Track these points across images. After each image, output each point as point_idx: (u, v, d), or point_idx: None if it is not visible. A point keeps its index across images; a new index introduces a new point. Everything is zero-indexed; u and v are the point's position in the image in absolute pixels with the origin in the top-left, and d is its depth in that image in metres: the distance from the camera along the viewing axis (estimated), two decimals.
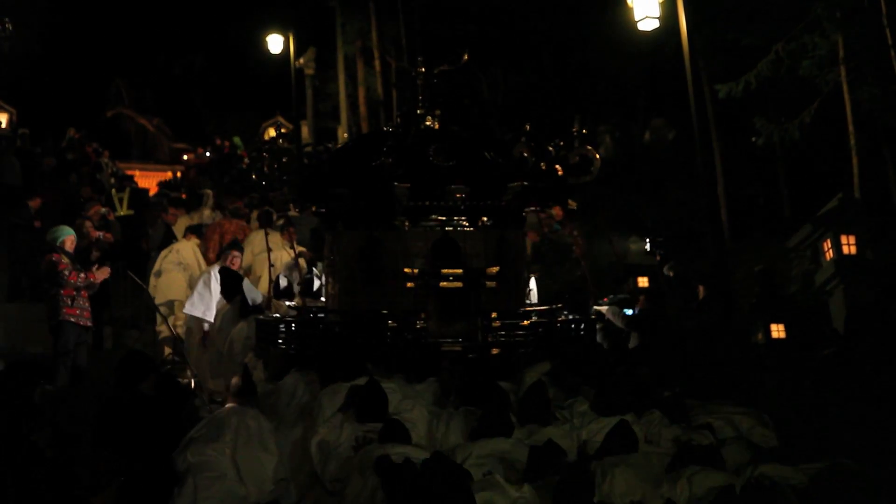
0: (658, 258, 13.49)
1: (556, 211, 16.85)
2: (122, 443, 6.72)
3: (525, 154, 9.88)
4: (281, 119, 32.20)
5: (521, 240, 10.51)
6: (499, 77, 27.16)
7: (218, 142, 29.49)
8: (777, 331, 12.03)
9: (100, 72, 35.52)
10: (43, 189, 19.63)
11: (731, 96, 15.90)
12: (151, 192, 22.01)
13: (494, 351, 9.48)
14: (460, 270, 9.61)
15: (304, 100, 32.02)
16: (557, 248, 16.13)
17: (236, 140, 29.53)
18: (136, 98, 35.52)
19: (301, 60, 30.57)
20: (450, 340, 9.46)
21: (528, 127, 10.12)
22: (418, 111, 10.53)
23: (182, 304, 13.51)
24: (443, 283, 9.59)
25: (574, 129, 10.30)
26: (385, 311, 9.52)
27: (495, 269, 9.73)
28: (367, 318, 9.56)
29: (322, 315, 9.99)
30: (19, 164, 20.80)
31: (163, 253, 14.98)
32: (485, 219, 9.97)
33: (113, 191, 20.03)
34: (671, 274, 13.21)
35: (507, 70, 26.96)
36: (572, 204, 10.79)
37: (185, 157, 28.65)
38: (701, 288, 12.35)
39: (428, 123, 10.45)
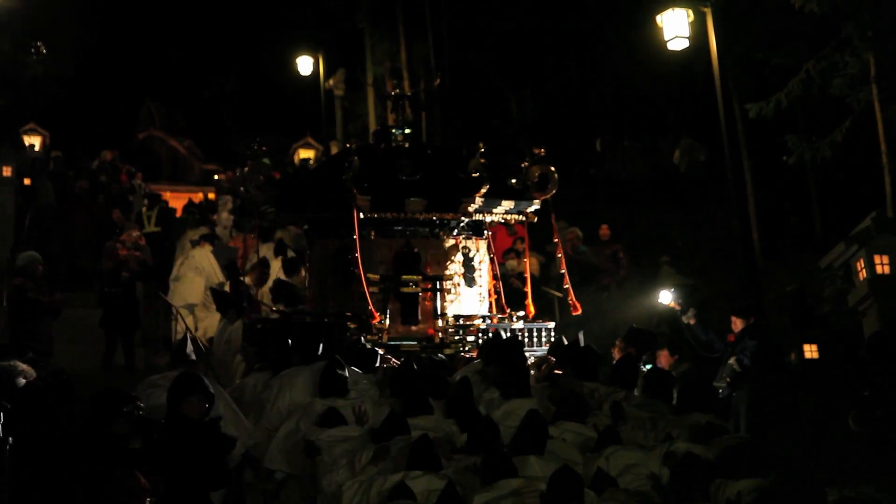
0: (677, 307, 13.15)
1: (578, 232, 16.98)
2: (164, 465, 6.70)
3: (479, 170, 10.64)
4: (311, 141, 32.28)
5: (480, 250, 11.33)
6: (527, 96, 27.19)
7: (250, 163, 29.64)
8: (810, 351, 11.92)
9: (131, 94, 35.80)
10: (76, 211, 19.87)
11: (762, 115, 15.82)
12: (179, 214, 22.24)
13: (448, 351, 10.35)
14: (419, 277, 10.59)
15: (334, 121, 32.14)
16: (583, 270, 16.14)
17: (265, 161, 29.65)
18: (167, 120, 35.73)
19: (331, 82, 30.74)
20: (408, 340, 10.41)
21: (481, 144, 10.83)
22: (393, 130, 11.41)
23: (201, 307, 14.74)
24: (403, 289, 10.57)
25: (536, 150, 11.04)
26: (349, 313, 10.42)
27: (452, 276, 10.89)
28: (331, 319, 10.52)
29: (295, 317, 10.94)
30: (52, 186, 21.04)
31: (180, 259, 16.14)
32: (443, 229, 11.02)
33: (143, 209, 20.38)
34: (692, 322, 12.91)
35: (535, 89, 26.99)
36: (532, 217, 11.47)
37: (217, 178, 28.80)
38: (735, 320, 12.19)
39: (399, 140, 11.34)
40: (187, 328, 14.50)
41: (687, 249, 19.35)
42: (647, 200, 23.26)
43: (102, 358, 14.45)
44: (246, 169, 11.71)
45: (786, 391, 10.33)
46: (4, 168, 18.70)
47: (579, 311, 11.37)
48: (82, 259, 18.70)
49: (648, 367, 11.11)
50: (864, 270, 13.47)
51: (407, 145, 11.37)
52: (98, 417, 7.04)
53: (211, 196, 26.97)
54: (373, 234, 10.77)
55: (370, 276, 10.46)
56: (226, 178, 28.23)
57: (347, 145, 11.20)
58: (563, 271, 11.64)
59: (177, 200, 25.39)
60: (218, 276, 15.45)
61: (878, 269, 13.30)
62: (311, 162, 30.32)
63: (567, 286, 11.54)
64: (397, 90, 11.92)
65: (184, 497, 6.59)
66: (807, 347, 11.92)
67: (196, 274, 15.42)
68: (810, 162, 16.28)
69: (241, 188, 12.15)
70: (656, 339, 11.75)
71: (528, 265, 12.60)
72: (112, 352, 14.59)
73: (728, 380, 11.61)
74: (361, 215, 10.43)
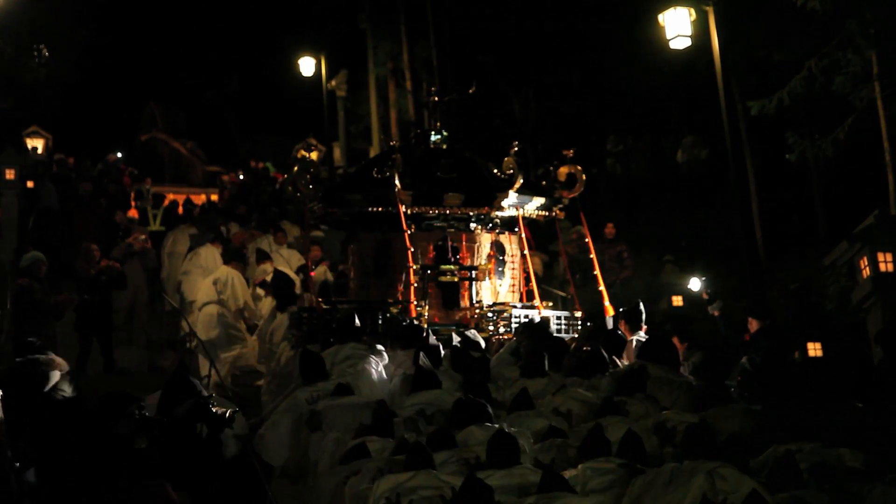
0: (705, 296, 13.35)
1: (584, 231, 17.06)
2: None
3: (512, 169, 11.53)
4: (313, 141, 32.34)
5: (512, 243, 12.19)
6: (530, 97, 27.20)
7: (253, 164, 29.72)
8: (814, 349, 11.89)
9: (134, 96, 35.87)
10: (79, 214, 19.89)
11: (764, 113, 15.81)
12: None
13: (483, 335, 10.98)
14: (456, 267, 11.40)
15: (336, 122, 32.16)
16: (587, 269, 16.17)
17: (268, 165, 29.83)
18: (169, 122, 35.79)
19: (333, 83, 30.74)
20: (446, 325, 11.19)
21: (515, 144, 11.85)
22: (432, 132, 12.34)
23: (199, 304, 14.93)
24: (441, 278, 11.40)
25: (565, 152, 12.09)
26: (391, 300, 11.25)
27: (488, 266, 11.70)
28: (374, 305, 11.22)
29: (341, 305, 11.65)
30: (55, 189, 21.05)
31: (189, 256, 16.32)
32: (479, 223, 11.85)
33: (148, 208, 20.52)
34: (716, 313, 13.01)
35: (538, 90, 26.99)
36: (561, 213, 12.53)
37: (225, 178, 28.88)
38: (752, 321, 12.21)
39: (437, 142, 12.26)
40: (189, 326, 14.56)
41: (690, 248, 19.34)
42: (649, 199, 23.26)
43: (77, 361, 14.18)
44: (295, 169, 12.28)
45: (792, 389, 10.33)
46: (7, 171, 18.65)
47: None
48: None
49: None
50: (867, 268, 13.43)
51: (444, 147, 12.24)
52: (104, 420, 7.06)
53: (214, 198, 27.02)
54: (413, 227, 11.54)
55: (410, 265, 11.26)
56: (229, 180, 28.33)
57: (392, 143, 12.28)
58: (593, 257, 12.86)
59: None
60: None
61: (882, 267, 13.25)
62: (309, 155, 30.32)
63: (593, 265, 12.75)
64: (435, 97, 12.73)
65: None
66: (810, 345, 11.88)
67: (200, 272, 15.51)
68: (813, 160, 16.26)
69: (290, 187, 12.86)
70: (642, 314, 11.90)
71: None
72: (87, 353, 14.47)
73: (739, 378, 11.60)
74: (404, 209, 11.26)
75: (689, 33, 14.94)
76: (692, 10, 14.94)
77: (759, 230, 17.46)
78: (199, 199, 27.99)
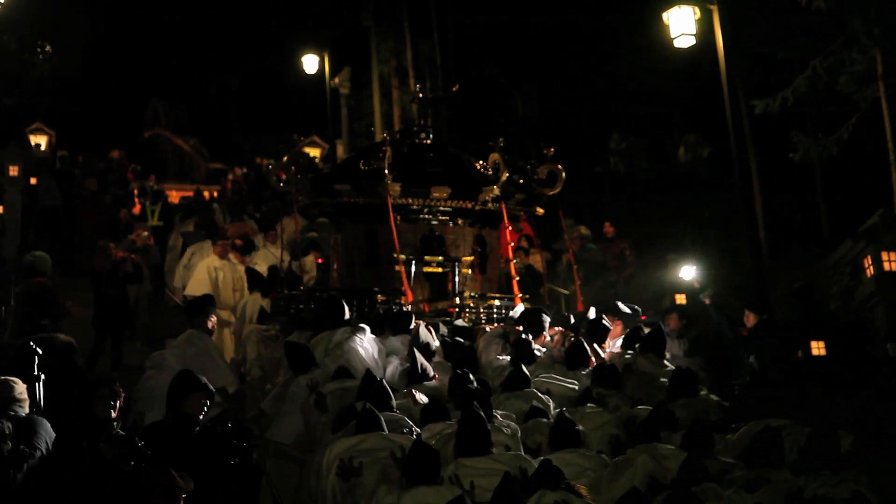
0: (696, 284, 13.36)
1: (584, 230, 17.07)
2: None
3: (497, 164, 11.77)
4: (317, 139, 32.35)
5: (494, 236, 12.46)
6: (533, 94, 27.17)
7: (258, 161, 29.72)
8: (817, 348, 11.87)
9: (137, 93, 35.85)
10: (82, 210, 19.90)
11: (768, 112, 15.80)
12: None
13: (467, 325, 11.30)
14: (441, 258, 11.73)
15: (340, 119, 32.14)
16: (590, 267, 16.18)
17: (271, 162, 29.83)
18: (172, 119, 35.77)
19: (336, 80, 30.73)
20: (430, 315, 11.32)
21: (501, 140, 11.99)
22: (415, 128, 12.63)
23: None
24: (426, 269, 11.74)
25: (546, 150, 12.24)
26: (376, 289, 11.50)
27: (470, 258, 11.98)
28: (360, 293, 11.46)
29: (327, 292, 11.82)
30: (58, 185, 21.07)
31: (191, 249, 16.46)
32: (463, 217, 12.07)
33: (147, 203, 20.54)
34: (707, 301, 12.99)
35: (541, 88, 26.97)
36: (540, 211, 12.65)
37: (231, 175, 28.90)
38: (749, 314, 12.17)
39: (423, 138, 12.49)
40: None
41: (693, 246, 19.33)
42: (653, 197, 23.25)
43: (88, 357, 14.14)
44: (285, 159, 12.25)
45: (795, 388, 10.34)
46: (11, 168, 18.72)
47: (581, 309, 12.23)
48: (88, 259, 18.73)
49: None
50: (871, 267, 13.46)
51: (428, 142, 12.48)
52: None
53: (216, 193, 27.03)
54: (399, 219, 11.68)
55: (397, 256, 11.49)
56: (233, 177, 28.35)
57: (385, 136, 12.37)
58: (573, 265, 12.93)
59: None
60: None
61: (886, 266, 13.29)
62: (318, 160, 30.33)
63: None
64: (421, 94, 12.99)
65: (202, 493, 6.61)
66: (814, 344, 11.87)
67: (203, 268, 15.53)
68: (817, 159, 16.24)
69: (273, 177, 13.35)
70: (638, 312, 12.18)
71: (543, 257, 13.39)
72: (101, 351, 14.45)
73: (748, 378, 11.57)
74: (392, 200, 11.44)
75: (694, 32, 14.95)
76: (697, 9, 14.94)
77: (762, 229, 17.44)
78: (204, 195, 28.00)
